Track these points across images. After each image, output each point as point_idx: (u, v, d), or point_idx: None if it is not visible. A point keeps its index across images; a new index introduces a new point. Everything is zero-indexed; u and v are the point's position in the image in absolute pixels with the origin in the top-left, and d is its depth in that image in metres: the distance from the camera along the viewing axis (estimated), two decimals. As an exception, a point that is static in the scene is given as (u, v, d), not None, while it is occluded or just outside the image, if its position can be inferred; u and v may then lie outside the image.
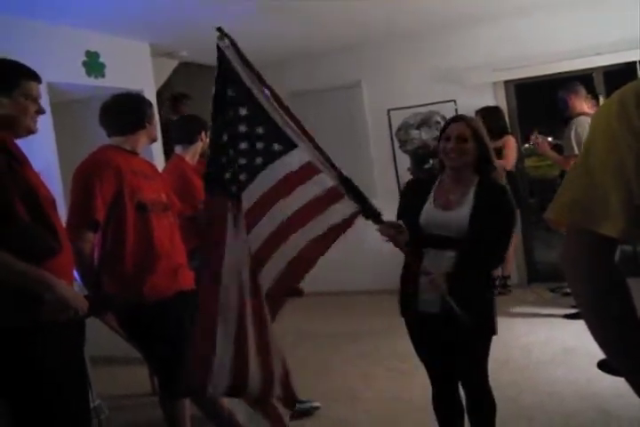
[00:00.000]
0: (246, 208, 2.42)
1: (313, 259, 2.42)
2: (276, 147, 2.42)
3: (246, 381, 2.38)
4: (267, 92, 2.44)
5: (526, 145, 7.13)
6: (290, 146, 2.42)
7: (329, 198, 2.41)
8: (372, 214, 2.43)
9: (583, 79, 5.17)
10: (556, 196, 1.22)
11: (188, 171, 3.60)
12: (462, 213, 2.52)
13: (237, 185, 2.42)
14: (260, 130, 2.44)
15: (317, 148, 2.45)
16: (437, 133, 2.95)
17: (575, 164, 1.21)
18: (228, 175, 2.41)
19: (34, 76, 2.29)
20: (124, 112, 2.97)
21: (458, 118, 2.68)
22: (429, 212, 2.58)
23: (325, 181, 2.41)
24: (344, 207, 2.40)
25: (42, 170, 2.28)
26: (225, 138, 2.43)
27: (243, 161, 2.44)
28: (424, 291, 2.54)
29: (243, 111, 2.42)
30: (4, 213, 2.07)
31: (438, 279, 2.44)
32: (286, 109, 2.44)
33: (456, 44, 6.21)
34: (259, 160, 2.43)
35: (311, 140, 2.44)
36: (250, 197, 2.43)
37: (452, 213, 2.55)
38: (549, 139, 5.32)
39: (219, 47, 2.47)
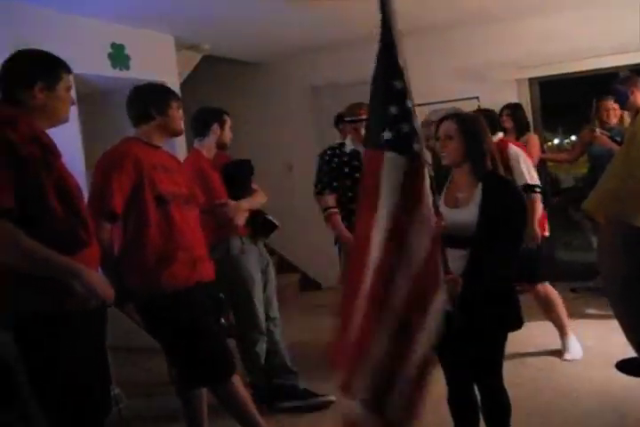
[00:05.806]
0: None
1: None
2: None
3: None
4: None
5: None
6: None
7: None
8: None
9: (609, 78, 5.11)
10: (596, 186, 1.21)
11: (204, 165, 3.59)
12: (470, 211, 2.50)
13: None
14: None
15: None
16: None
17: (616, 156, 1.20)
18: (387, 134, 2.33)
19: (69, 69, 2.36)
20: (132, 103, 2.95)
21: (446, 117, 2.65)
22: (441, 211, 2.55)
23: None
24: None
25: (67, 161, 2.30)
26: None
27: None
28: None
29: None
30: (39, 204, 2.10)
31: (455, 281, 2.39)
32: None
33: (480, 41, 6.14)
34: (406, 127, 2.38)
35: None
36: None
37: (459, 211, 2.54)
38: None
39: None
